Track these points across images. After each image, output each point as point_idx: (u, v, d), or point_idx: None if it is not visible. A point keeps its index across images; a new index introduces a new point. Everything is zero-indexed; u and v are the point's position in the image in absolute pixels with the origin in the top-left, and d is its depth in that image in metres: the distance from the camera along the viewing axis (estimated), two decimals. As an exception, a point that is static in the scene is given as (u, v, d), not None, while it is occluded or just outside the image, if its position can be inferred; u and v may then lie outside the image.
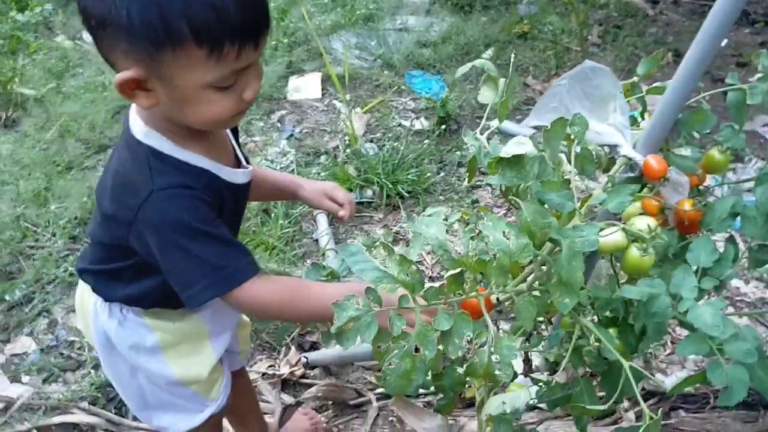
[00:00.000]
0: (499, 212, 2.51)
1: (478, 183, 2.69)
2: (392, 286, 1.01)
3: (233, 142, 1.20)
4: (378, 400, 1.86)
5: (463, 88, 3.21)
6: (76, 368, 2.08)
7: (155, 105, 0.98)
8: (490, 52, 3.50)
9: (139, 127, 1.05)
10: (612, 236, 1.12)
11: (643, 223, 1.14)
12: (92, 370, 2.05)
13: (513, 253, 1.03)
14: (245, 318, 1.47)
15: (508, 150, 1.10)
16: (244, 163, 1.18)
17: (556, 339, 1.34)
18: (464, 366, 1.05)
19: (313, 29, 3.13)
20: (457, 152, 2.82)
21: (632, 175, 1.26)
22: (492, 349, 0.99)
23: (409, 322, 0.96)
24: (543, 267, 1.10)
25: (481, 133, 1.33)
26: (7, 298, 2.33)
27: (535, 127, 1.39)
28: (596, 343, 1.22)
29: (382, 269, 1.02)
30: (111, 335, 1.22)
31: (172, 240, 1.01)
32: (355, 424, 1.82)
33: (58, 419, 1.91)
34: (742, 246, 1.18)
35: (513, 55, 1.34)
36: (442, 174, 2.72)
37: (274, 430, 1.75)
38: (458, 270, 1.05)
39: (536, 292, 1.11)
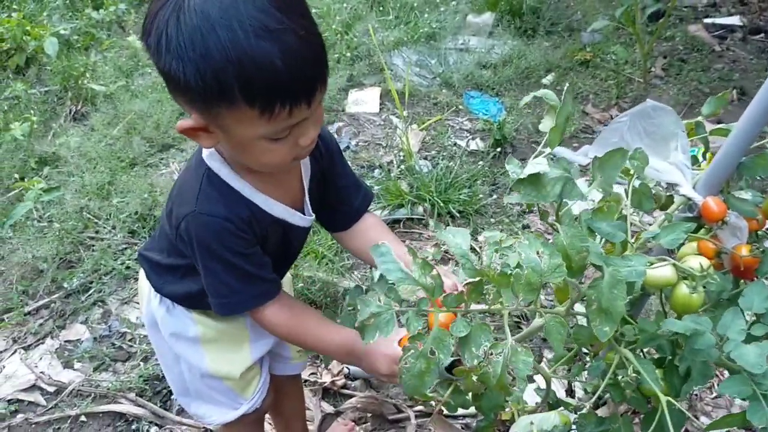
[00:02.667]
0: (550, 239, 2.50)
1: (530, 209, 2.68)
2: (412, 288, 1.04)
3: (307, 188, 1.23)
4: (417, 417, 1.87)
5: (520, 112, 3.22)
6: (126, 359, 2.16)
7: (216, 144, 1.05)
8: (550, 77, 3.49)
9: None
10: (661, 270, 1.12)
11: (695, 262, 1.14)
12: (141, 362, 2.12)
13: (543, 272, 1.04)
14: None
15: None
16: (309, 211, 1.23)
17: (597, 370, 1.34)
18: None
19: (376, 44, 3.17)
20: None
21: (690, 215, 1.26)
22: (507, 361, 1.00)
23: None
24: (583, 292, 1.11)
25: (535, 159, 1.34)
26: (66, 285, 2.42)
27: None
28: (634, 374, 1.22)
29: (406, 272, 1.06)
30: (158, 320, 1.30)
31: (203, 257, 1.11)
32: (393, 440, 1.83)
33: (105, 407, 1.98)
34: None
35: (568, 83, 1.34)
36: (495, 197, 2.73)
37: (314, 439, 1.78)
38: (477, 279, 1.07)
39: (583, 321, 1.11)
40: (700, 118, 1.49)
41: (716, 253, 1.22)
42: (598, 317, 1.04)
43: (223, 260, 1.10)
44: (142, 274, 1.33)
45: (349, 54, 3.51)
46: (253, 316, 1.19)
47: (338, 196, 1.31)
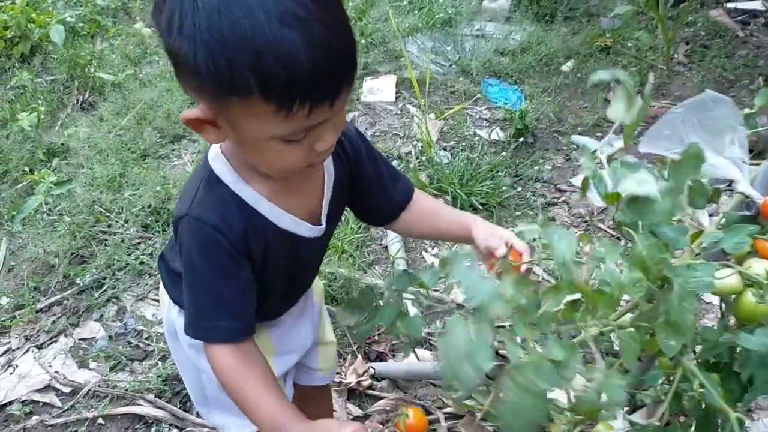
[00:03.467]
0: (576, 232, 2.43)
1: (554, 200, 2.61)
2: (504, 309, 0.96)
3: (329, 197, 1.12)
4: (446, 419, 1.81)
5: (541, 101, 3.13)
6: (143, 358, 2.09)
7: (223, 140, 0.95)
8: (570, 64, 3.40)
9: (214, 146, 1.03)
10: (728, 279, 1.05)
11: (760, 267, 1.07)
12: (159, 362, 2.06)
13: (624, 286, 0.97)
14: (330, 336, 1.44)
15: (628, 187, 1.03)
16: (323, 220, 1.11)
17: (655, 379, 1.27)
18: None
19: (396, 29, 3.07)
20: (535, 167, 2.75)
21: (747, 213, 1.18)
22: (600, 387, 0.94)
23: None
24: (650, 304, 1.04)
25: (602, 153, 1.26)
26: (78, 281, 2.35)
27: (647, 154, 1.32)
28: (701, 389, 1.16)
29: (496, 290, 0.97)
30: (177, 330, 1.22)
31: (184, 266, 1.02)
32: (423, 443, 1.77)
33: (124, 410, 1.91)
34: None
35: (651, 76, 1.26)
36: (519, 189, 2.65)
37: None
38: (576, 296, 0.99)
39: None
40: (747, 110, 1.41)
41: (774, 255, 1.14)
42: (665, 331, 0.97)
43: (201, 276, 1.00)
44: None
45: (363, 41, 3.42)
46: (205, 351, 1.05)
47: (375, 198, 1.21)
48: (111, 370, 2.06)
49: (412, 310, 1.94)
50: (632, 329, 1.04)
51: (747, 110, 1.42)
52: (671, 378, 1.23)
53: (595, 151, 1.29)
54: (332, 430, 0.93)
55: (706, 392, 1.08)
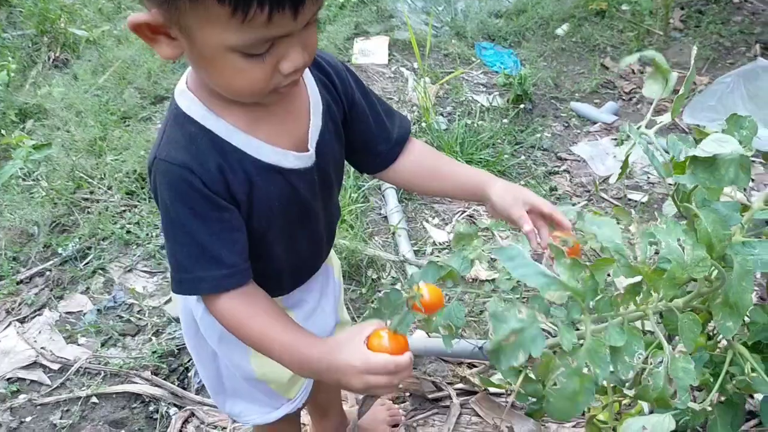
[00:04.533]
0: (579, 202, 2.38)
1: (555, 169, 2.55)
2: (561, 294, 0.90)
3: (320, 126, 1.00)
4: (458, 395, 1.75)
5: (537, 66, 3.05)
6: (136, 333, 1.99)
7: (179, 55, 0.83)
8: (565, 27, 3.32)
9: (180, 82, 0.92)
10: (780, 256, 1.00)
11: (817, 246, 1.01)
12: (153, 337, 1.96)
13: (687, 265, 0.92)
14: (346, 316, 1.36)
15: (707, 148, 0.96)
16: (310, 146, 0.98)
17: (701, 361, 1.23)
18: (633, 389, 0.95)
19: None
20: (535, 134, 2.67)
21: (796, 189, 1.13)
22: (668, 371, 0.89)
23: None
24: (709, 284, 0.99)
25: (648, 128, 1.19)
26: (61, 251, 2.22)
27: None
28: (753, 374, 1.12)
29: (550, 274, 0.91)
30: (197, 319, 1.12)
31: (161, 218, 0.92)
32: (436, 420, 1.71)
33: (119, 388, 1.82)
34: None
35: (695, 48, 1.19)
36: (522, 157, 2.57)
37: (353, 421, 1.65)
38: (637, 279, 0.93)
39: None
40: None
41: (818, 229, 1.10)
42: (722, 311, 0.93)
43: (176, 222, 0.89)
44: None
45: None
46: (205, 305, 0.96)
47: (372, 135, 1.09)
48: (102, 346, 1.95)
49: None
50: (690, 311, 0.99)
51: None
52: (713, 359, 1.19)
53: (639, 126, 1.23)
54: (354, 339, 0.86)
55: (756, 375, 1.04)
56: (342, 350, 0.86)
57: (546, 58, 3.10)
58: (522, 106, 2.76)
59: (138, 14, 0.78)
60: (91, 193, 2.42)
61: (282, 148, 0.94)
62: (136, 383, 1.83)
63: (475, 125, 2.59)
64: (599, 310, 0.91)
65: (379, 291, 2.04)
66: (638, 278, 0.96)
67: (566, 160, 2.58)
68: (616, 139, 2.61)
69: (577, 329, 0.92)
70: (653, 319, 0.95)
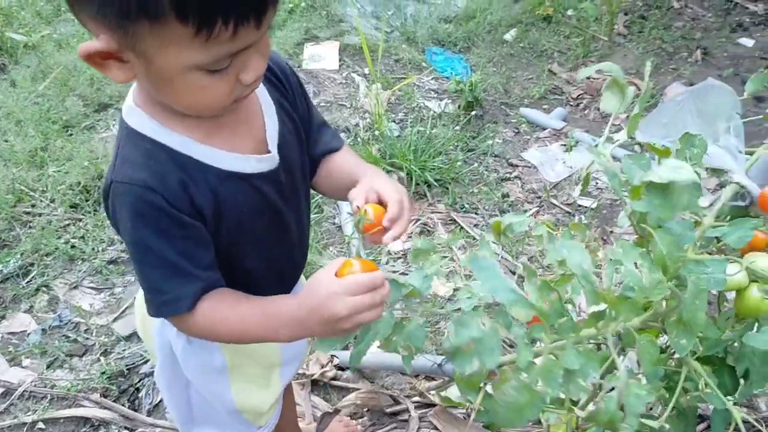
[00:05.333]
0: (530, 209, 2.40)
1: (507, 176, 2.57)
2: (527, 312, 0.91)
3: (277, 124, 0.96)
4: (416, 408, 1.75)
5: (487, 71, 3.07)
6: (83, 353, 1.92)
7: (133, 78, 0.79)
8: (513, 32, 3.35)
9: (128, 100, 0.88)
10: (736, 276, 1.03)
11: (765, 262, 1.05)
12: (102, 357, 1.90)
13: (646, 289, 0.93)
14: None
15: (663, 174, 0.97)
16: (271, 145, 0.95)
17: (655, 376, 1.25)
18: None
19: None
20: (487, 141, 2.69)
21: (741, 204, 1.16)
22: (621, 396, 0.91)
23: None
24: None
25: (605, 144, 1.20)
26: (1, 268, 2.13)
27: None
28: (707, 390, 1.14)
29: (518, 292, 0.92)
30: (177, 352, 1.08)
31: (127, 243, 0.88)
32: (394, 435, 1.71)
33: (67, 412, 1.75)
34: None
35: (648, 64, 1.21)
36: (473, 164, 2.59)
37: (311, 439, 1.63)
38: (602, 307, 0.95)
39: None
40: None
41: (766, 245, 1.13)
42: (677, 329, 0.95)
43: (140, 245, 0.86)
44: (140, 292, 1.11)
45: (303, 4, 3.24)
46: (179, 327, 0.93)
47: (310, 136, 1.06)
48: (48, 368, 1.88)
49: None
50: (647, 332, 1.01)
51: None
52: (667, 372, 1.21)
53: (596, 144, 1.24)
54: (326, 276, 0.84)
55: (710, 391, 1.07)
56: (318, 288, 0.83)
57: (495, 64, 3.13)
58: (473, 112, 2.78)
59: (89, 43, 0.74)
60: (33, 206, 2.33)
61: (242, 153, 0.91)
62: (85, 406, 1.77)
63: (428, 132, 2.59)
64: (560, 332, 0.92)
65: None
66: (604, 306, 0.97)
67: (517, 166, 2.61)
68: (565, 145, 2.65)
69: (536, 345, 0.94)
70: (611, 341, 0.97)
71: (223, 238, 0.92)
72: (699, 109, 1.24)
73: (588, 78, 3.09)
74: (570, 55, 3.23)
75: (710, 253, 1.06)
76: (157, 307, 0.90)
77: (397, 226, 0.93)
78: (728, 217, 1.12)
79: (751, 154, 1.23)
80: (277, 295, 0.92)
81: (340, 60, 3.09)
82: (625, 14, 3.55)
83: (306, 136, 1.05)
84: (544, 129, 2.78)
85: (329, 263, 0.87)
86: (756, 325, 1.08)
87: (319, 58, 3.03)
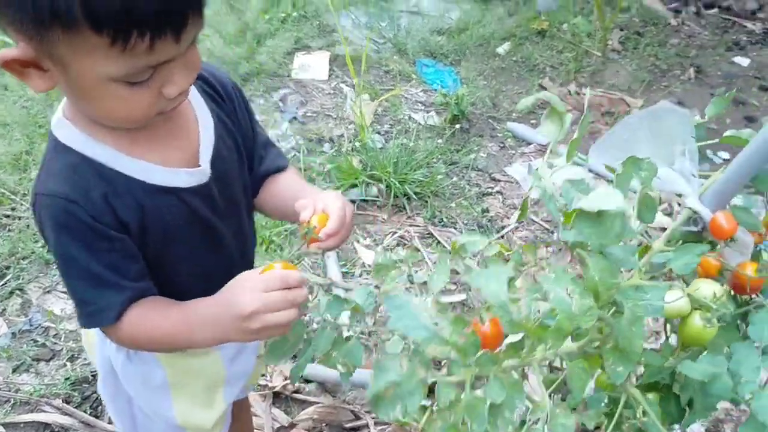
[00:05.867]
0: (509, 224, 2.39)
1: (488, 190, 2.56)
2: (442, 349, 0.90)
3: (213, 140, 0.95)
4: (376, 424, 1.74)
5: (476, 84, 3.06)
6: (50, 358, 1.93)
7: (52, 87, 0.78)
8: (506, 46, 3.34)
9: (57, 112, 0.88)
10: (677, 303, 1.01)
11: (709, 290, 1.03)
12: (68, 362, 1.90)
13: (575, 316, 0.92)
14: (263, 349, 1.33)
15: (594, 203, 0.96)
16: (203, 159, 0.93)
17: (598, 403, 1.23)
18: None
19: (330, 3, 2.89)
20: (470, 154, 2.68)
21: (694, 229, 1.14)
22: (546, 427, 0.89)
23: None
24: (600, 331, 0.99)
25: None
26: (-23, 270, 2.15)
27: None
28: (644, 418, 1.13)
29: (432, 329, 0.91)
30: (117, 368, 1.08)
31: (52, 251, 0.89)
32: (352, 451, 1.70)
33: (27, 417, 1.75)
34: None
35: (587, 93, 1.21)
36: (454, 178, 2.58)
37: (266, 454, 1.62)
38: (520, 336, 0.93)
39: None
40: (698, 119, 1.38)
41: (719, 271, 1.11)
42: (613, 356, 0.94)
43: (66, 257, 0.86)
44: None
45: (295, 14, 3.25)
46: (111, 336, 0.93)
47: (253, 154, 1.06)
48: (14, 372, 1.89)
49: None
50: (582, 360, 0.99)
51: (698, 119, 1.38)
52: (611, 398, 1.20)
53: (538, 169, 1.23)
54: (240, 277, 0.85)
55: (647, 419, 1.05)
56: (233, 284, 0.84)
57: (486, 77, 3.12)
58: (458, 125, 2.77)
59: (6, 50, 0.74)
60: (13, 209, 2.35)
61: (172, 167, 0.90)
62: (46, 412, 1.77)
63: (411, 145, 2.59)
64: (480, 366, 0.91)
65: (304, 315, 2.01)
66: (522, 335, 0.95)
67: (500, 181, 2.60)
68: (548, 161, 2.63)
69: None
70: (538, 371, 0.95)
71: (150, 250, 0.92)
72: (654, 132, 1.23)
73: (578, 93, 3.08)
74: (562, 71, 3.21)
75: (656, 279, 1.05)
76: (84, 318, 0.90)
77: (331, 241, 0.93)
78: (681, 242, 1.10)
79: (706, 178, 1.22)
80: None
81: (330, 70, 3.09)
82: (621, 30, 3.53)
83: (249, 153, 1.05)
84: (530, 144, 2.76)
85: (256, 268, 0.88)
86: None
87: (309, 68, 3.04)
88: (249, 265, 1.13)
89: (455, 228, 2.37)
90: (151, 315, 0.90)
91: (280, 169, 1.09)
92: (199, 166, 0.93)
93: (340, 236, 0.95)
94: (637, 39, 3.45)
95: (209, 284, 1.01)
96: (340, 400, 1.81)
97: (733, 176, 1.12)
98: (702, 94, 2.98)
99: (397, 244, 2.30)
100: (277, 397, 1.82)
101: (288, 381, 1.83)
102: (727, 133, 1.15)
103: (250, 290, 0.81)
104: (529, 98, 1.26)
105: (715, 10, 3.71)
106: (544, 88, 3.11)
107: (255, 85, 2.94)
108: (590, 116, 1.11)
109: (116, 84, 0.75)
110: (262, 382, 1.83)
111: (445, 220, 2.39)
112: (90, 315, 0.89)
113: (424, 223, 2.37)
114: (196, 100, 0.96)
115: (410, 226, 2.37)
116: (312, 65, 3.07)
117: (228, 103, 1.01)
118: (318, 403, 1.79)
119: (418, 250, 2.26)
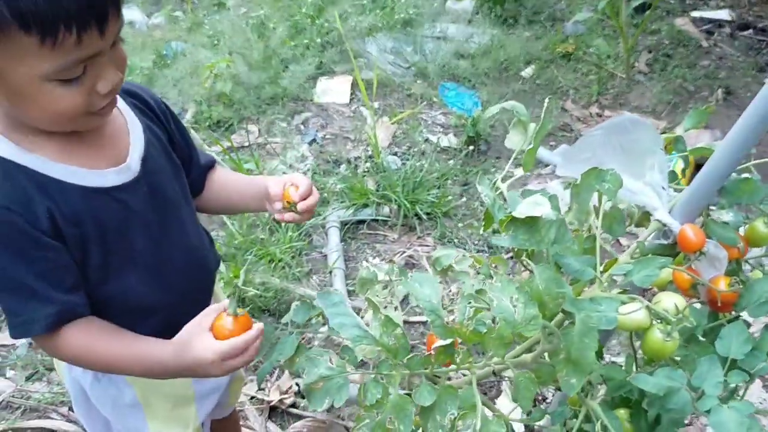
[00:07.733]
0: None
1: (502, 210, 2.55)
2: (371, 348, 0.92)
3: (138, 142, 0.99)
4: (368, 440, 1.74)
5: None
6: (62, 368, 2.00)
7: None
8: (530, 70, 3.34)
9: None
10: (634, 315, 1.00)
11: (670, 302, 1.01)
12: (77, 373, 1.97)
13: (517, 324, 0.92)
14: (241, 372, 1.36)
15: (523, 210, 0.97)
16: (132, 158, 0.97)
17: (561, 417, 1.21)
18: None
19: (342, 31, 2.95)
20: (486, 176, 2.68)
21: (665, 242, 1.13)
22: (478, 433, 0.89)
23: None
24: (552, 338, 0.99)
25: (503, 181, 1.20)
26: None
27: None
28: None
29: (364, 329, 0.93)
30: (87, 389, 1.10)
31: None
32: (342, 466, 1.71)
33: (35, 423, 1.83)
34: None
35: (547, 100, 1.21)
36: (465, 198, 2.58)
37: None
38: (449, 341, 0.94)
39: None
40: (679, 131, 1.37)
41: (692, 285, 1.09)
42: (566, 368, 0.93)
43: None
44: None
45: (319, 40, 3.33)
46: (42, 346, 0.97)
47: (190, 157, 1.14)
48: (27, 380, 1.97)
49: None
50: (529, 371, 0.99)
51: (679, 131, 1.37)
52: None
53: (495, 181, 1.24)
54: (200, 333, 0.90)
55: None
56: (192, 348, 0.89)
57: (507, 100, 3.12)
58: (473, 147, 2.77)
59: None
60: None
61: (101, 169, 0.93)
62: (52, 419, 1.84)
63: (425, 166, 2.61)
64: (411, 368, 0.92)
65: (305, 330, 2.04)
66: (451, 340, 0.95)
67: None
68: (563, 182, 2.61)
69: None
70: (474, 379, 0.95)
71: (93, 259, 0.94)
72: (621, 144, 1.22)
73: (600, 116, 3.05)
74: (585, 93, 3.19)
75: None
76: (13, 329, 0.91)
77: (310, 200, 1.09)
78: (650, 255, 1.09)
79: (679, 191, 1.21)
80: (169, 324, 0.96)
81: (352, 94, 3.15)
82: (650, 52, 3.48)
83: (185, 157, 1.11)
84: (547, 166, 2.75)
85: (204, 314, 0.92)
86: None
87: (331, 92, 3.11)
88: (205, 272, 1.15)
89: (465, 248, 2.37)
90: (91, 338, 0.93)
91: (210, 165, 1.18)
92: (126, 161, 0.96)
93: (314, 197, 1.10)
94: (666, 61, 3.40)
95: (165, 294, 1.05)
96: (334, 415, 1.82)
97: (701, 188, 1.11)
98: (730, 115, 2.91)
99: (405, 264, 2.31)
100: (274, 411, 1.85)
101: (285, 395, 1.85)
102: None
103: (211, 363, 0.89)
104: (494, 108, 1.28)
105: (749, 32, 3.63)
106: (566, 110, 3.09)
107: (278, 108, 3.01)
108: (548, 124, 1.12)
109: (50, 84, 0.79)
110: (259, 396, 1.86)
111: (455, 240, 2.39)
112: (18, 326, 0.90)
113: (434, 243, 2.37)
114: (126, 110, 1.01)
115: (419, 245, 2.38)
116: (334, 89, 3.13)
117: (155, 115, 1.06)
118: (314, 417, 1.80)
119: (411, 270, 2.26)
